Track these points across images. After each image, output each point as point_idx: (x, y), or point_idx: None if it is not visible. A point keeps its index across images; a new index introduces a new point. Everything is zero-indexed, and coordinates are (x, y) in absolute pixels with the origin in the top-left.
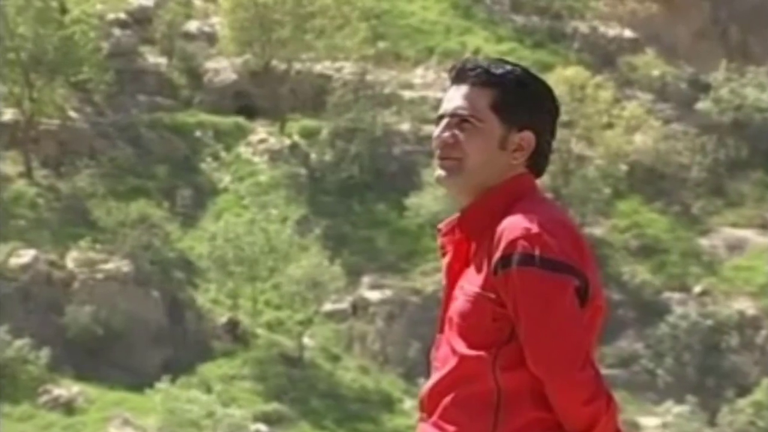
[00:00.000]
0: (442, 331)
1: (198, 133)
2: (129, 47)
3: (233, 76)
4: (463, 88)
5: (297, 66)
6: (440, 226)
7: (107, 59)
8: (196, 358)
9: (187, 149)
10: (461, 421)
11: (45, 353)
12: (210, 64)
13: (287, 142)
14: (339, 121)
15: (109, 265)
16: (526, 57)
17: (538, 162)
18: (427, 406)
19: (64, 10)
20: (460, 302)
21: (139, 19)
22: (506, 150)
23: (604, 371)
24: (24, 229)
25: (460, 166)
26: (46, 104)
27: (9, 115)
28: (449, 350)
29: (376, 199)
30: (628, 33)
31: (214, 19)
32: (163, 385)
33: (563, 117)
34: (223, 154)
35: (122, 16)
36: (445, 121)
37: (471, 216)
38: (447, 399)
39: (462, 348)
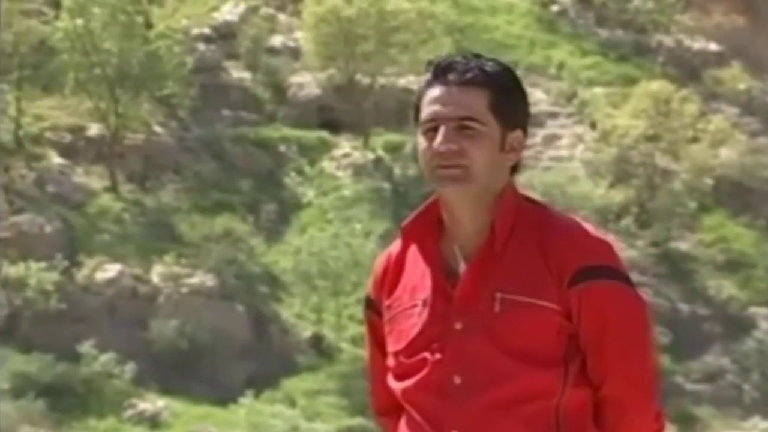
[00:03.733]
0: (437, 334)
1: (282, 148)
2: (213, 62)
3: (317, 91)
4: (457, 90)
5: (381, 80)
6: (405, 226)
7: (192, 74)
8: (281, 372)
9: (271, 164)
10: None
11: (130, 367)
12: (294, 79)
13: (371, 156)
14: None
15: (194, 280)
16: (610, 71)
17: (518, 161)
18: (462, 421)
19: (149, 26)
20: (512, 313)
21: (224, 34)
22: (504, 151)
23: (690, 386)
24: (109, 244)
25: (467, 174)
26: (132, 119)
27: (95, 130)
28: (496, 363)
29: None
30: (713, 46)
31: (299, 34)
32: (247, 399)
33: (648, 131)
34: (307, 168)
35: (207, 31)
36: (444, 128)
37: (504, 223)
38: (500, 416)
39: (523, 363)
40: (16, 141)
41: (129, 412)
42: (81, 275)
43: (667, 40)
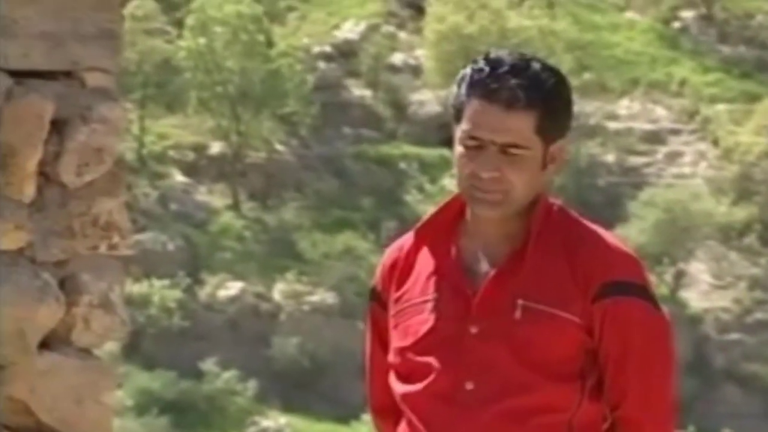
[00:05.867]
0: (450, 338)
1: (403, 165)
2: (334, 80)
3: (438, 108)
4: (504, 114)
5: None
6: (420, 227)
7: (313, 92)
8: None
9: (391, 181)
10: None
11: (252, 384)
12: (415, 96)
13: None
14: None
15: (315, 297)
16: (733, 87)
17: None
18: (471, 430)
19: (270, 44)
20: (533, 322)
21: (345, 52)
22: (545, 168)
23: None
24: (231, 262)
25: (507, 198)
26: (253, 137)
27: (217, 148)
28: (512, 372)
29: None
30: None
31: (419, 52)
32: (368, 416)
33: None
34: (427, 185)
35: (328, 49)
36: (486, 152)
37: (536, 231)
38: (512, 427)
39: (540, 375)
40: (139, 159)
41: (251, 429)
42: (203, 293)
43: None
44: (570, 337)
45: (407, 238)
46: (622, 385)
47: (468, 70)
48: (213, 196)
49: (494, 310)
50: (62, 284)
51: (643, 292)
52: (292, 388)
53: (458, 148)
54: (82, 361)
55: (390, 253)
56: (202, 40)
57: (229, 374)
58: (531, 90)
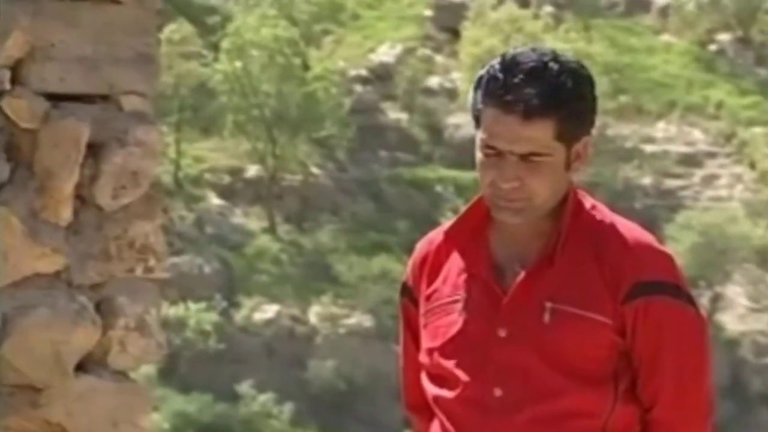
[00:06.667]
0: (471, 341)
1: (439, 188)
2: (370, 103)
3: (474, 131)
4: (523, 123)
5: None
6: (447, 231)
7: (349, 115)
8: None
9: (427, 204)
10: None
11: (288, 407)
12: (451, 120)
13: None
14: (579, 175)
15: (351, 320)
16: None
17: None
18: None
19: (306, 67)
20: (562, 325)
21: (381, 76)
22: (570, 168)
23: None
24: (267, 285)
25: (529, 206)
26: (289, 160)
27: (253, 171)
28: (542, 377)
29: None
30: None
31: (455, 75)
32: None
33: None
34: (463, 208)
35: (364, 72)
36: (506, 161)
37: (566, 230)
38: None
39: (571, 379)
40: (175, 182)
41: None
42: (239, 316)
43: None
44: (601, 339)
45: (437, 234)
46: (655, 388)
47: (484, 74)
48: (249, 219)
49: (523, 313)
50: (98, 307)
51: (675, 290)
52: (328, 411)
53: (478, 155)
54: (119, 384)
55: (420, 247)
56: (238, 64)
57: (265, 397)
58: (548, 97)
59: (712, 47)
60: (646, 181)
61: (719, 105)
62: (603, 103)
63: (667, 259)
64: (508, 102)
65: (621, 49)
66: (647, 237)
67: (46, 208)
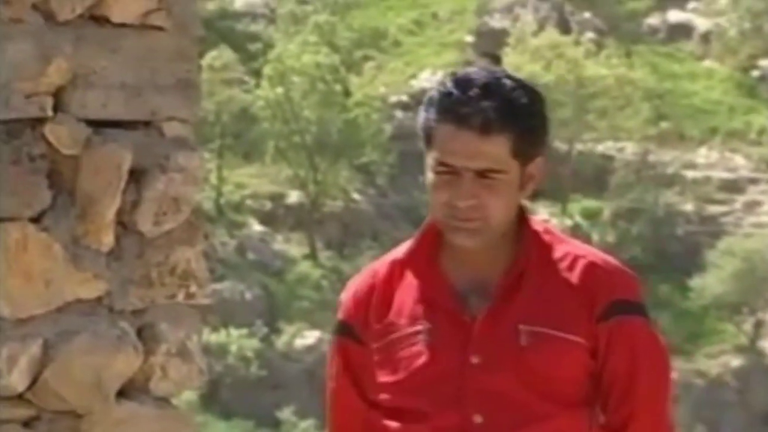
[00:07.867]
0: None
1: None
2: (411, 129)
3: None
4: (478, 139)
5: (579, 146)
6: (399, 260)
7: (389, 141)
8: None
9: None
10: None
11: None
12: None
13: (569, 222)
14: (621, 202)
15: None
16: None
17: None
18: None
19: (347, 94)
20: (540, 348)
21: (421, 102)
22: (523, 188)
23: None
24: (308, 311)
25: (485, 226)
26: (330, 186)
27: (294, 197)
28: (523, 402)
29: (659, 280)
30: None
31: None
32: None
33: None
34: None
35: (404, 98)
36: (461, 180)
37: (527, 253)
38: None
39: (552, 403)
40: (217, 209)
41: None
42: (281, 342)
43: None
44: (577, 360)
45: (381, 265)
46: (629, 408)
47: (435, 93)
48: (290, 245)
49: (497, 338)
50: (140, 333)
51: (643, 310)
52: None
53: (430, 176)
54: (160, 410)
55: (362, 281)
56: (279, 90)
57: (306, 423)
58: (505, 112)
59: (755, 73)
60: (688, 207)
61: (761, 131)
62: (645, 129)
63: (634, 278)
64: (464, 115)
65: (663, 75)
66: (612, 258)
67: (88, 234)
